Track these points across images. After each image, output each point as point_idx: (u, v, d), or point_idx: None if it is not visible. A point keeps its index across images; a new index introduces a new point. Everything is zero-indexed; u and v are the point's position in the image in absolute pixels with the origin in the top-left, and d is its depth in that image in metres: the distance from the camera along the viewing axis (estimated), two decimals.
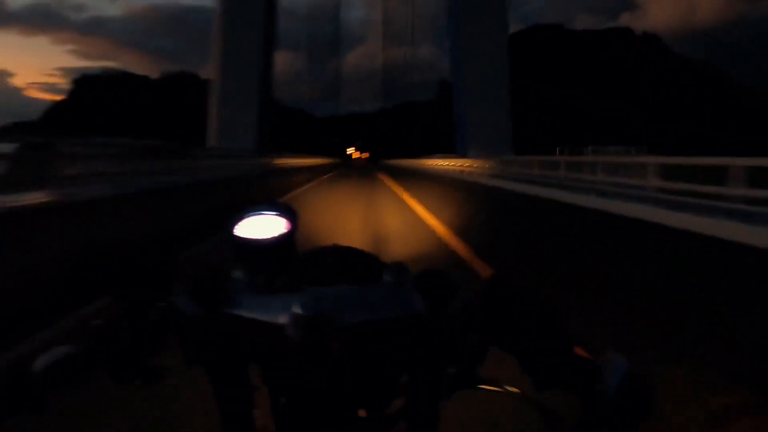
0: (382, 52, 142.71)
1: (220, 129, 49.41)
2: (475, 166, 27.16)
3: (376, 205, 12.85)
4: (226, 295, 0.51)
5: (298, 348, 0.45)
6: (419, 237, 7.73)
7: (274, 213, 0.61)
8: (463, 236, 7.29)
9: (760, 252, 5.50)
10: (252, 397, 0.54)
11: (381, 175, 31.97)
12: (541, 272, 5.08)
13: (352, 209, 11.84)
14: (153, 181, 12.73)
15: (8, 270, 3.99)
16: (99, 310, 0.50)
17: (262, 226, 0.60)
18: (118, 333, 0.49)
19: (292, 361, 0.46)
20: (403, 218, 9.90)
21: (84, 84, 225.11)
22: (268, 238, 0.59)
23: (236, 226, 0.60)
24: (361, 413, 0.54)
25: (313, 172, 31.60)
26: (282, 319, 0.46)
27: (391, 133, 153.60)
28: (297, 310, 0.46)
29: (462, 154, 38.36)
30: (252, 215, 0.61)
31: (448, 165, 34.83)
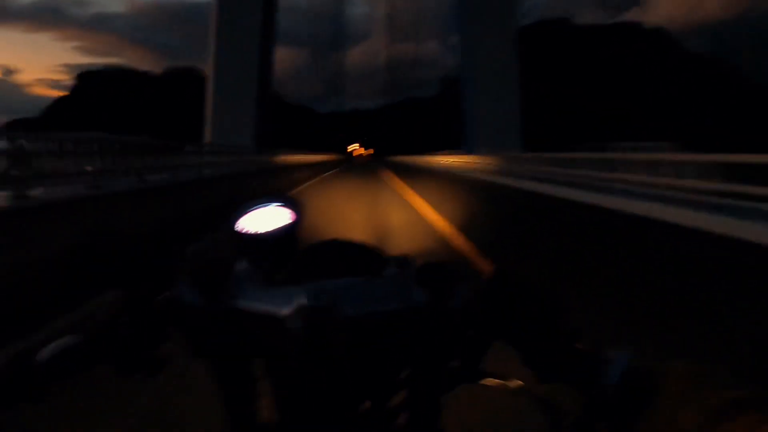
0: (386, 48, 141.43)
1: (216, 125, 48.04)
2: (485, 163, 25.81)
3: (380, 213, 11.55)
4: (229, 288, 0.51)
5: (301, 340, 0.45)
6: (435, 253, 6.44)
7: (278, 205, 0.61)
8: (488, 253, 6.03)
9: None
10: (255, 389, 0.54)
11: (385, 173, 30.65)
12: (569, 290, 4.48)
13: (353, 213, 10.64)
14: (130, 180, 11.69)
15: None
16: (102, 303, 0.50)
17: (265, 218, 0.60)
18: (122, 325, 0.49)
19: (294, 353, 0.46)
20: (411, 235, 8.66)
21: (86, 80, 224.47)
22: (271, 231, 0.59)
23: (239, 219, 0.59)
24: (363, 406, 0.54)
25: (314, 169, 30.29)
26: (285, 311, 0.47)
27: (395, 130, 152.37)
28: (300, 302, 0.46)
29: (469, 151, 36.92)
30: (255, 208, 0.61)
31: (455, 162, 33.43)
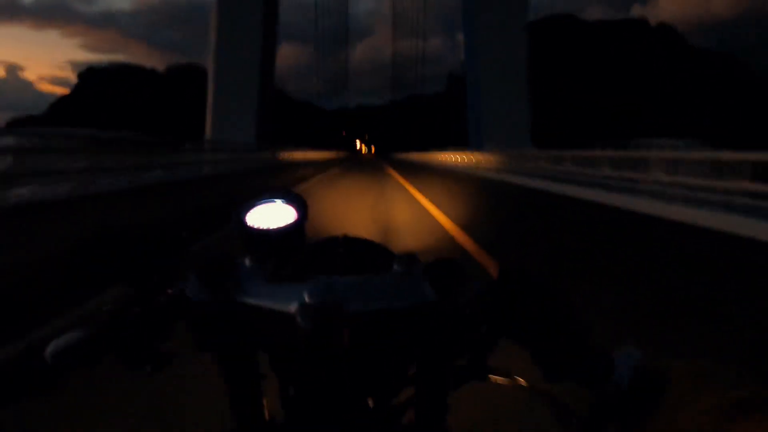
0: (391, 44, 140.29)
1: (217, 121, 46.95)
2: (492, 160, 24.75)
3: (386, 227, 10.56)
4: (235, 283, 0.51)
5: (307, 336, 0.45)
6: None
7: (283, 201, 0.61)
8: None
9: None
10: (261, 385, 0.55)
11: (389, 171, 29.66)
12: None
13: (355, 220, 9.67)
14: (120, 180, 11.09)
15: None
16: (109, 298, 0.51)
17: (271, 214, 0.60)
18: (129, 319, 0.50)
19: (300, 349, 0.46)
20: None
21: (90, 77, 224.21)
22: (277, 227, 0.58)
23: (245, 215, 0.59)
24: (370, 403, 0.54)
25: (316, 167, 29.34)
26: (291, 307, 0.47)
27: (400, 126, 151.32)
28: (306, 298, 0.46)
29: (476, 148, 35.79)
30: (261, 204, 0.61)
31: (461, 159, 32.38)
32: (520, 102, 44.41)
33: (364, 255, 0.59)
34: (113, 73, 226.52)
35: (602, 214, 9.71)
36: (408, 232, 6.93)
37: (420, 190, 13.97)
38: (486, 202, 12.61)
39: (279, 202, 0.61)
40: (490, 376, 0.55)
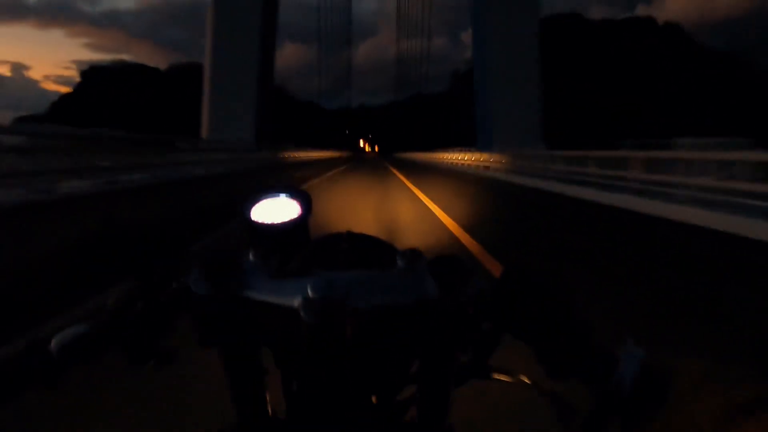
0: (394, 43, 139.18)
1: (214, 120, 45.39)
2: (503, 162, 23.42)
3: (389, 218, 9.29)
4: (239, 278, 0.51)
5: (311, 331, 0.45)
6: None
7: (288, 197, 0.61)
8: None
9: None
10: (264, 380, 0.55)
11: (393, 170, 28.38)
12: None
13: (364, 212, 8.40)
14: (98, 182, 10.11)
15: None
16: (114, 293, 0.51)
17: (275, 209, 0.60)
18: (132, 313, 0.50)
19: (304, 344, 0.46)
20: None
21: (93, 76, 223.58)
22: (281, 222, 0.59)
23: (250, 210, 0.60)
24: (373, 399, 0.54)
25: (317, 167, 28.08)
26: (295, 302, 0.47)
27: (403, 126, 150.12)
28: (310, 293, 0.46)
29: (485, 148, 34.38)
30: (266, 199, 0.61)
31: (469, 160, 31.03)
32: (532, 100, 42.78)
33: (368, 251, 0.59)
34: (116, 71, 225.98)
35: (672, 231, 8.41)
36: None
37: (434, 200, 12.64)
38: (504, 210, 11.32)
39: (283, 196, 0.61)
40: (493, 373, 0.55)
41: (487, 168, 25.70)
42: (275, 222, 0.57)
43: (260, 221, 0.57)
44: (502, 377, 0.56)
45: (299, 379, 0.53)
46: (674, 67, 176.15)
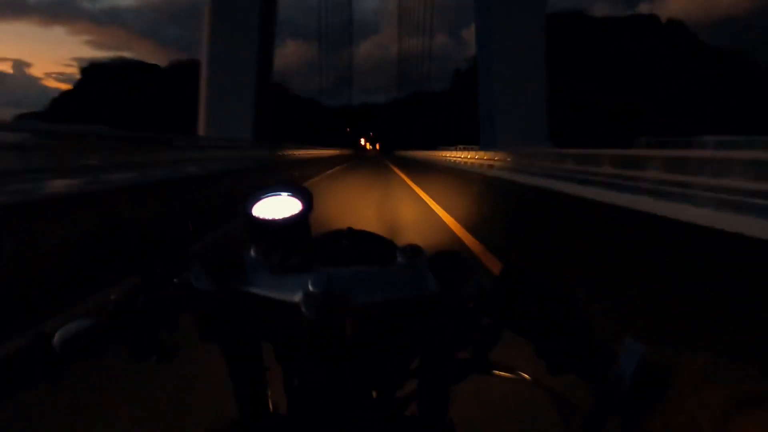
0: (396, 41, 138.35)
1: (210, 118, 44.36)
2: (508, 160, 22.62)
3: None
4: (240, 274, 0.51)
5: (312, 326, 0.45)
6: None
7: (289, 193, 0.62)
8: None
9: None
10: (265, 376, 0.55)
11: (394, 169, 27.59)
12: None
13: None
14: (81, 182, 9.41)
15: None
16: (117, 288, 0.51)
17: (277, 206, 0.61)
18: (135, 309, 0.50)
19: (305, 339, 0.46)
20: None
21: (93, 73, 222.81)
22: (282, 218, 0.59)
23: (252, 207, 0.60)
24: (373, 394, 0.54)
25: (317, 166, 27.31)
26: (296, 297, 0.47)
27: (404, 124, 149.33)
28: (311, 288, 0.46)
29: (489, 146, 33.55)
30: (267, 196, 0.61)
31: (472, 158, 30.22)
32: (537, 97, 41.78)
33: (369, 247, 0.59)
34: (116, 69, 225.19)
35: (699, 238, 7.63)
36: None
37: (436, 200, 11.85)
38: (514, 214, 10.54)
39: (285, 194, 0.61)
40: (493, 369, 0.55)
41: (491, 167, 24.91)
42: (276, 218, 0.58)
43: (261, 217, 0.58)
44: (502, 373, 0.56)
45: (300, 374, 0.53)
46: (675, 66, 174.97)
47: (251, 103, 45.98)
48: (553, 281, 0.48)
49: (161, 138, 12.89)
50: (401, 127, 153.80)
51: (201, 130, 43.82)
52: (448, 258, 0.52)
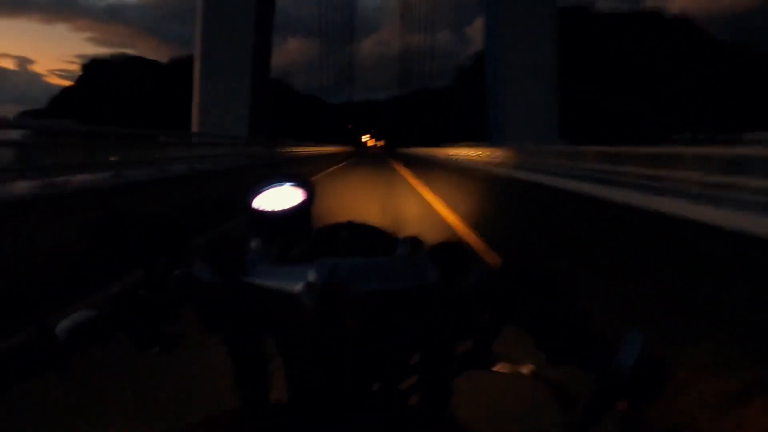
0: (398, 39, 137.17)
1: (204, 114, 42.88)
2: (520, 158, 21.29)
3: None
4: (242, 264, 0.51)
5: (312, 316, 0.46)
6: None
7: (291, 185, 0.62)
8: None
9: None
10: (267, 367, 0.55)
11: (397, 167, 26.34)
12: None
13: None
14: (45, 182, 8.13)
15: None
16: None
17: (278, 197, 0.61)
18: (137, 299, 0.50)
19: (306, 329, 0.47)
20: None
21: (94, 69, 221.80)
22: (284, 210, 0.59)
23: (254, 198, 0.60)
24: (374, 387, 0.55)
25: (317, 164, 26.08)
26: (297, 287, 0.47)
27: (407, 121, 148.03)
28: (311, 278, 0.47)
29: (498, 143, 32.21)
30: (269, 187, 0.62)
31: (480, 156, 28.91)
32: (547, 92, 40.30)
33: (370, 239, 0.59)
34: (117, 65, 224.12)
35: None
36: None
37: (447, 204, 10.62)
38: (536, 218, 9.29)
39: (287, 185, 0.61)
40: (495, 361, 0.55)
41: (500, 165, 23.62)
42: (278, 209, 0.58)
43: (263, 209, 0.58)
44: (503, 366, 0.55)
45: (301, 366, 0.53)
46: (686, 62, 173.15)
47: (247, 100, 44.56)
48: (553, 273, 0.48)
49: (143, 134, 11.65)
50: (404, 124, 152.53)
51: (194, 127, 42.43)
52: (449, 249, 0.51)
